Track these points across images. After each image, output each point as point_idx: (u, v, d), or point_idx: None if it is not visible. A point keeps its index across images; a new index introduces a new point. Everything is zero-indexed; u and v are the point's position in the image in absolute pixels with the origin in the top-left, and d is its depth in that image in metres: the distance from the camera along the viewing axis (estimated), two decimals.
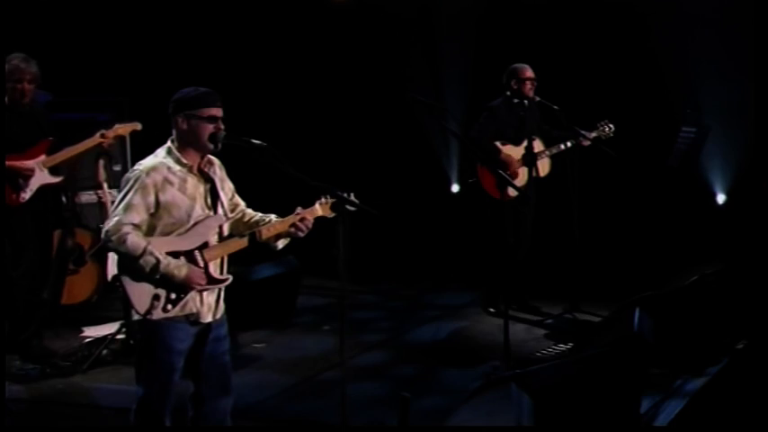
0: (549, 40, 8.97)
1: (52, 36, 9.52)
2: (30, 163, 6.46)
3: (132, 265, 4.32)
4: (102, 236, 4.37)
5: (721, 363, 6.40)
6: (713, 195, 9.04)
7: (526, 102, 7.52)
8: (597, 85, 8.74)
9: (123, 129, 6.61)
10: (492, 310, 7.77)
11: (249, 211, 4.74)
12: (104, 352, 6.56)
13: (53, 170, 6.56)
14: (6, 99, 6.50)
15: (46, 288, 7.04)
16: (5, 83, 6.48)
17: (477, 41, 9.35)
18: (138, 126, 6.61)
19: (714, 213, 8.95)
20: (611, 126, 7.55)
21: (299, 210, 4.66)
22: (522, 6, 9.18)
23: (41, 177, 6.51)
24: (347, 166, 9.64)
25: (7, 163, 6.40)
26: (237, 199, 4.74)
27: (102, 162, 7.19)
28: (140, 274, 4.34)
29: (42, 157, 6.51)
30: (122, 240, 4.28)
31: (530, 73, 7.51)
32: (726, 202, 9.05)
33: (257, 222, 4.67)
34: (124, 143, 8.22)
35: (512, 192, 7.07)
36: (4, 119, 6.47)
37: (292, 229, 4.62)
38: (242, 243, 4.58)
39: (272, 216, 4.69)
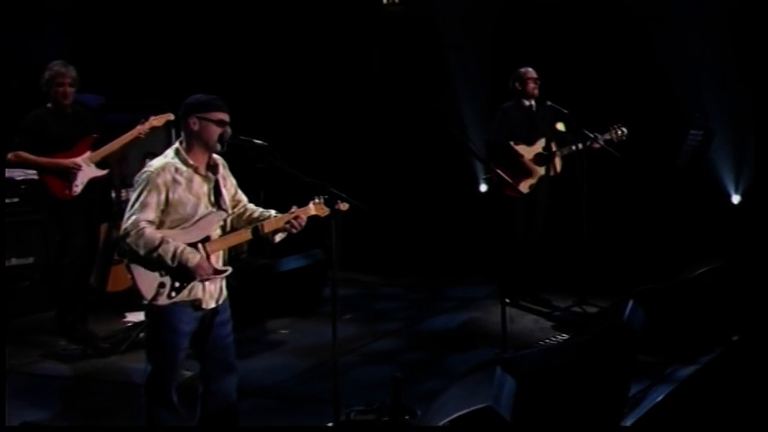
0: (562, 45, 9.04)
1: (109, 45, 9.90)
2: (77, 159, 6.74)
3: (151, 255, 4.54)
4: (121, 233, 4.60)
5: (713, 353, 6.48)
6: (728, 196, 9.02)
7: (534, 102, 7.66)
8: (610, 88, 8.77)
9: (157, 120, 6.79)
10: (507, 300, 7.86)
11: (251, 206, 4.95)
12: (140, 335, 6.76)
13: (99, 164, 6.82)
14: (50, 103, 6.81)
15: (93, 276, 7.33)
16: (49, 88, 6.78)
17: (494, 46, 9.43)
18: (171, 116, 6.69)
19: (728, 213, 8.92)
20: (624, 129, 7.60)
21: (294, 208, 4.86)
22: (537, 11, 9.24)
23: (89, 171, 6.79)
24: (380, 167, 9.86)
25: (55, 160, 6.71)
26: (240, 195, 4.94)
27: (148, 160, 7.45)
28: (159, 263, 4.56)
29: (88, 153, 6.79)
30: (140, 234, 4.52)
31: (532, 73, 7.67)
32: (741, 203, 9.01)
33: (258, 218, 4.87)
34: (170, 142, 8.49)
35: (523, 188, 7.21)
36: (50, 121, 6.79)
37: (287, 226, 4.80)
38: (243, 236, 4.81)
39: (272, 211, 4.89)
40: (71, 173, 6.72)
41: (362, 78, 10.11)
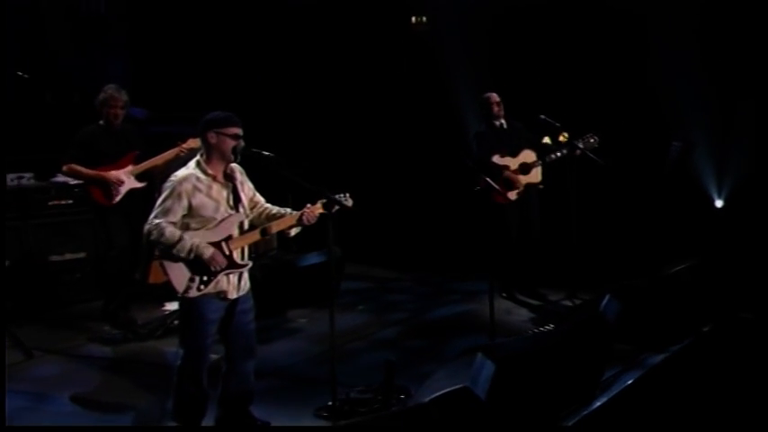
0: (556, 60, 9.12)
1: (159, 63, 10.17)
2: (120, 174, 7.00)
3: (171, 250, 4.83)
4: (145, 232, 4.88)
5: (683, 342, 6.62)
6: (712, 200, 9.07)
7: (503, 120, 7.85)
8: (601, 101, 8.86)
9: (195, 141, 6.92)
10: (504, 294, 8.05)
11: (268, 206, 5.21)
12: (174, 322, 6.96)
13: (139, 177, 7.07)
14: (102, 121, 7.11)
15: (137, 270, 7.54)
16: (102, 108, 7.07)
17: (489, 58, 9.47)
18: None
19: (712, 216, 8.97)
20: (596, 138, 7.70)
21: (307, 206, 5.15)
22: (531, 25, 9.29)
23: (129, 183, 7.06)
24: (402, 173, 9.95)
25: (101, 173, 6.99)
26: (258, 197, 5.21)
27: None
28: (179, 257, 4.85)
29: (130, 167, 7.06)
30: (161, 233, 4.81)
31: (494, 98, 7.86)
32: (723, 207, 9.07)
33: (275, 215, 5.14)
34: None
35: (511, 196, 7.40)
36: (100, 137, 7.06)
37: (304, 219, 5.09)
38: (254, 236, 5.07)
39: (288, 210, 5.16)
40: (113, 185, 6.99)
41: (392, 90, 10.21)
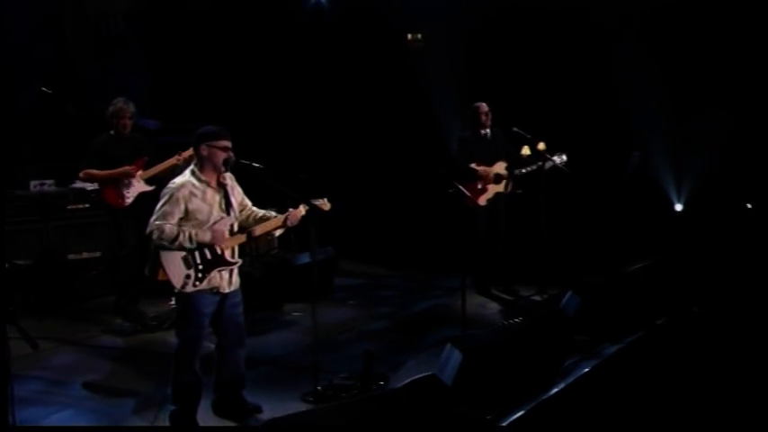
0: (527, 75, 9.16)
1: (170, 78, 10.23)
2: (128, 168, 7.05)
3: (173, 244, 4.93)
4: (147, 233, 4.98)
5: (638, 334, 6.66)
6: (672, 204, 9.12)
7: (488, 130, 7.87)
8: (569, 115, 8.89)
9: (187, 153, 6.77)
10: (477, 290, 8.03)
11: (255, 209, 5.30)
12: None
13: (148, 181, 7.14)
14: (113, 130, 7.20)
15: (146, 267, 7.65)
16: (112, 119, 7.15)
17: (468, 72, 9.45)
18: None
19: (672, 219, 9.01)
20: (564, 157, 7.77)
21: (290, 210, 5.25)
22: (506, 44, 9.30)
23: (139, 187, 7.12)
24: (398, 180, 9.89)
25: (114, 171, 7.04)
26: (246, 201, 5.29)
27: None
28: (182, 248, 4.95)
29: (140, 172, 7.13)
30: (162, 231, 4.92)
31: (484, 108, 7.85)
32: (683, 210, 9.11)
33: (262, 218, 5.24)
34: None
35: (481, 201, 7.46)
36: (111, 145, 7.13)
37: (288, 222, 5.20)
38: (241, 238, 5.16)
39: (273, 212, 5.25)
40: (124, 185, 7.05)
41: (385, 102, 10.16)
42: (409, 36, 10.35)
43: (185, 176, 5.04)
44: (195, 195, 4.98)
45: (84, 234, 8.03)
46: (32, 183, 8.03)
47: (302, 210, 5.24)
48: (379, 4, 9.94)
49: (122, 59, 10.42)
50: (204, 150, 5.01)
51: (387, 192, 9.95)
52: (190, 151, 6.70)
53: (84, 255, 8.03)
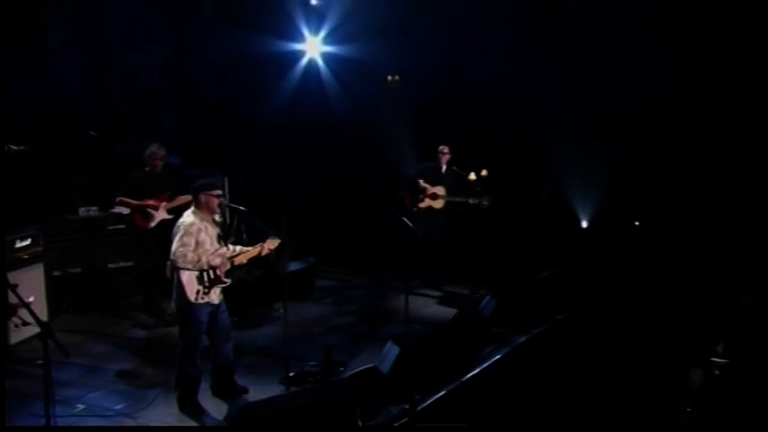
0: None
1: (195, 120, 10.24)
2: (153, 203, 7.21)
3: (194, 267, 5.18)
4: (171, 259, 5.21)
5: (543, 326, 6.91)
6: (579, 221, 9.33)
7: (444, 165, 8.27)
8: (494, 156, 9.01)
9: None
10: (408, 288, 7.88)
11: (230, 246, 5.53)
12: None
13: (169, 211, 7.24)
14: (147, 167, 7.31)
15: (166, 273, 7.73)
16: (147, 159, 7.26)
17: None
18: None
19: (579, 234, 9.22)
20: (486, 203, 7.97)
21: (267, 241, 5.44)
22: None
23: (161, 214, 7.23)
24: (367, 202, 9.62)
25: (142, 202, 7.19)
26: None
27: None
28: (199, 269, 5.17)
29: (165, 203, 7.25)
30: (185, 256, 5.16)
31: (444, 150, 8.31)
32: (588, 227, 9.34)
33: (241, 250, 5.46)
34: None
35: (421, 205, 7.86)
36: (144, 180, 7.21)
37: (262, 252, 5.41)
38: (226, 265, 5.34)
39: (238, 247, 5.47)
40: (149, 213, 7.20)
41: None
42: (389, 78, 10.31)
43: (190, 217, 5.28)
44: (201, 230, 5.25)
45: (120, 248, 8.11)
46: (81, 209, 8.18)
47: (273, 242, 5.41)
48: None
49: (156, 105, 10.50)
50: (203, 198, 5.29)
51: (357, 215, 9.81)
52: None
53: (121, 264, 8.13)
